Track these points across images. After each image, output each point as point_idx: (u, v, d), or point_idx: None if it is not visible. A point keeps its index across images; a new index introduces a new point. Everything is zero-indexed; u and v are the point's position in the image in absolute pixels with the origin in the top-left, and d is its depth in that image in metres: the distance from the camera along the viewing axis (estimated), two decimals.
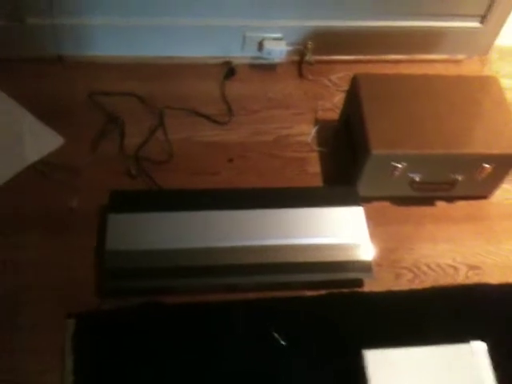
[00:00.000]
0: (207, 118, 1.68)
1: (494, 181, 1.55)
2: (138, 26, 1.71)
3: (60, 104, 1.65)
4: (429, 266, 1.46)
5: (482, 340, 1.30)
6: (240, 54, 1.81)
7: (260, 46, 1.78)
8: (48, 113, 1.61)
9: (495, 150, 1.44)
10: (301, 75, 1.83)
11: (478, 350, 1.29)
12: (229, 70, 1.78)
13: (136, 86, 1.71)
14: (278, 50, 1.77)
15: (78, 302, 1.30)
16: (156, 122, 1.64)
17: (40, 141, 1.55)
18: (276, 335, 1.29)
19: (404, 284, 1.42)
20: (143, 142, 1.59)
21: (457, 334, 1.31)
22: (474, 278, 1.45)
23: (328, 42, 1.82)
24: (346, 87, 1.61)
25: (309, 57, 1.82)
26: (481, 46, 1.94)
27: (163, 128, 1.63)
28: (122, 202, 1.40)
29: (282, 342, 1.28)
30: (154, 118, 1.65)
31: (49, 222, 1.42)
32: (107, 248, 1.32)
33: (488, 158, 1.44)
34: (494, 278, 1.46)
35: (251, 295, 1.35)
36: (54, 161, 1.52)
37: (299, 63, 1.84)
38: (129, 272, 1.30)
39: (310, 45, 1.80)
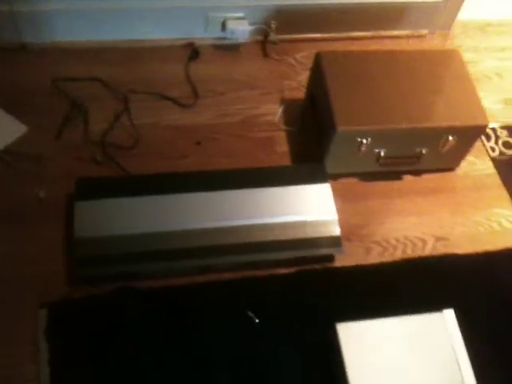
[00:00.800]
0: (173, 101, 1.67)
1: (459, 153, 1.57)
2: (100, 10, 1.67)
3: (23, 92, 1.62)
4: (397, 240, 1.48)
5: (452, 308, 1.33)
6: (203, 35, 1.79)
7: (223, 26, 1.76)
8: (11, 101, 1.57)
9: (458, 122, 1.46)
10: (265, 55, 1.82)
11: (448, 317, 1.32)
12: (192, 52, 1.77)
13: (100, 71, 1.69)
14: (241, 29, 1.76)
15: (49, 292, 1.28)
16: (121, 107, 1.62)
17: (2, 130, 1.52)
18: (250, 313, 1.30)
19: (374, 258, 1.44)
20: (108, 127, 1.57)
21: (427, 304, 1.34)
22: (441, 249, 1.48)
23: (291, 20, 1.81)
24: (311, 65, 1.61)
25: (272, 36, 1.81)
26: (443, 20, 1.96)
27: (128, 113, 1.61)
28: (89, 189, 1.38)
29: (256, 320, 1.29)
30: (119, 103, 1.63)
31: (15, 212, 1.40)
32: (75, 236, 1.31)
33: (451, 131, 1.46)
34: (462, 248, 1.49)
35: (224, 276, 1.35)
36: (17, 150, 1.49)
37: (263, 43, 1.83)
38: (99, 259, 1.29)
39: (273, 24, 1.79)
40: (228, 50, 1.81)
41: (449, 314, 1.31)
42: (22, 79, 1.65)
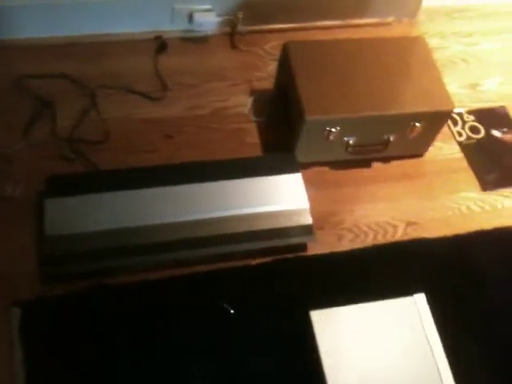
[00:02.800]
0: (142, 94, 1.66)
1: (427, 139, 1.60)
2: (64, 5, 1.65)
3: None
4: (369, 226, 1.50)
5: (423, 292, 1.36)
6: (170, 28, 1.78)
7: (190, 18, 1.75)
8: None
9: (424, 108, 1.49)
10: (234, 46, 1.82)
11: (419, 301, 1.34)
12: (160, 45, 1.76)
13: (66, 67, 1.66)
14: (209, 21, 1.75)
15: (21, 291, 1.27)
16: (89, 102, 1.61)
17: None
18: (225, 305, 1.31)
19: (346, 245, 1.46)
20: (77, 123, 1.56)
21: (399, 289, 1.37)
22: (412, 234, 1.50)
23: (259, 11, 1.81)
24: (279, 56, 1.62)
25: (240, 27, 1.81)
26: (409, 7, 1.98)
27: (96, 108, 1.60)
28: (59, 186, 1.37)
29: (231, 311, 1.30)
30: (87, 99, 1.61)
31: None
32: (46, 233, 1.30)
33: (418, 117, 1.48)
34: (432, 232, 1.51)
35: (198, 268, 1.36)
36: None
37: (231, 34, 1.82)
38: (70, 256, 1.28)
39: (240, 15, 1.78)
40: (196, 42, 1.80)
41: (420, 298, 1.34)
42: None
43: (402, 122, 1.49)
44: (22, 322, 1.23)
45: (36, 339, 1.22)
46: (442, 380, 1.25)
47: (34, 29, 1.68)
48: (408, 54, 1.59)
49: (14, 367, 1.19)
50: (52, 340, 1.23)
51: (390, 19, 1.98)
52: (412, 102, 1.49)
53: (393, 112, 1.47)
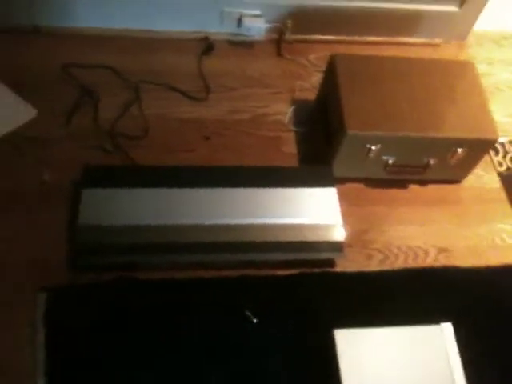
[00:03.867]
0: (184, 93, 1.66)
1: (467, 165, 1.57)
2: None
3: (34, 76, 1.61)
4: (399, 248, 1.48)
5: (450, 322, 1.33)
6: (218, 30, 1.78)
7: (239, 22, 1.76)
8: (21, 84, 1.57)
9: (468, 135, 1.46)
10: (279, 54, 1.81)
11: (446, 331, 1.32)
12: (207, 46, 1.76)
13: (112, 60, 1.68)
14: (257, 27, 1.76)
15: (50, 277, 1.29)
16: (131, 97, 1.62)
17: (13, 112, 1.52)
18: (248, 313, 1.30)
19: (375, 265, 1.44)
20: (118, 116, 1.57)
21: (426, 315, 1.34)
22: (443, 261, 1.48)
23: (307, 21, 1.80)
24: (324, 67, 1.60)
25: (288, 35, 1.81)
26: (458, 30, 1.95)
27: (139, 103, 1.61)
28: (96, 177, 1.38)
29: (254, 320, 1.29)
30: (130, 93, 1.63)
31: (20, 195, 1.40)
32: (80, 223, 1.30)
33: (461, 143, 1.46)
34: (463, 261, 1.48)
35: (224, 273, 1.35)
36: (26, 133, 1.49)
37: (278, 42, 1.82)
38: (101, 247, 1.29)
39: (289, 23, 1.78)
40: (242, 46, 1.80)
41: (447, 328, 1.31)
42: (33, 62, 1.64)
43: (444, 146, 1.47)
44: (47, 307, 1.24)
45: (59, 325, 1.23)
46: None
47: (83, 19, 1.71)
48: (456, 78, 1.57)
49: (35, 350, 1.19)
50: (75, 327, 1.24)
51: (438, 40, 1.96)
52: (456, 127, 1.47)
53: (435, 135, 1.45)
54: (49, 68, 1.63)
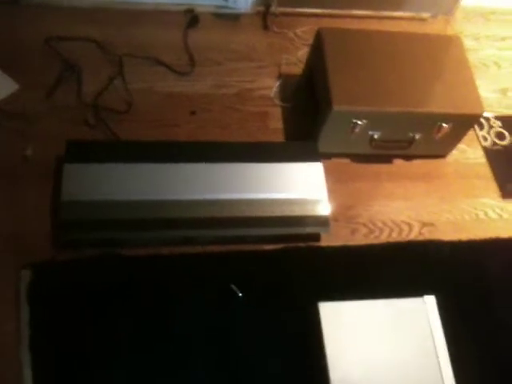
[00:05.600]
0: (168, 67, 1.64)
1: (452, 140, 1.57)
2: None
3: (14, 49, 1.58)
4: (384, 223, 1.49)
5: (433, 294, 1.35)
6: (204, 2, 1.75)
7: None
8: (1, 58, 1.54)
9: (453, 110, 1.46)
10: (265, 27, 1.79)
11: (429, 303, 1.34)
12: (192, 18, 1.73)
13: (95, 32, 1.65)
14: None
15: (33, 253, 1.28)
16: (115, 70, 1.59)
17: None
18: (233, 287, 1.30)
19: (359, 239, 1.45)
20: (102, 90, 1.55)
21: (409, 288, 1.36)
22: (427, 235, 1.49)
23: None
24: (310, 41, 1.59)
25: (274, 8, 1.78)
26: (446, 5, 1.94)
27: (122, 76, 1.59)
28: (79, 152, 1.36)
29: (239, 294, 1.30)
30: (113, 66, 1.60)
31: (2, 170, 1.38)
32: (63, 199, 1.29)
33: (446, 118, 1.46)
34: (447, 235, 1.50)
35: (209, 248, 1.35)
36: (7, 108, 1.46)
37: (264, 15, 1.80)
38: (85, 223, 1.28)
39: None
40: (228, 19, 1.78)
41: (430, 300, 1.33)
42: (13, 35, 1.61)
43: (430, 121, 1.47)
44: (31, 283, 1.24)
45: (43, 302, 1.23)
46: (443, 382, 1.24)
47: None
48: (443, 52, 1.56)
49: (19, 328, 1.19)
50: (59, 304, 1.23)
51: (425, 15, 1.94)
52: (442, 102, 1.46)
53: (421, 110, 1.44)
54: (30, 41, 1.60)
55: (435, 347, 1.28)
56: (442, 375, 1.25)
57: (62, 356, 1.18)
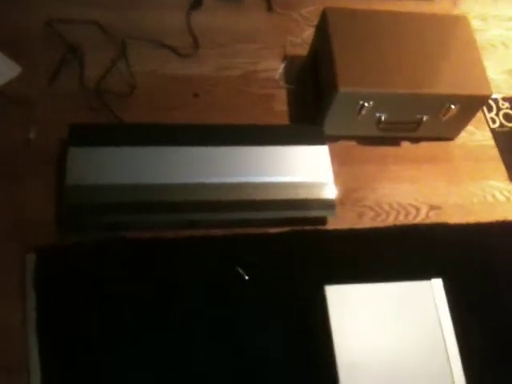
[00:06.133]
0: (172, 50, 1.62)
1: (460, 122, 1.55)
2: None
3: (15, 32, 1.55)
4: (391, 206, 1.48)
5: (440, 277, 1.34)
6: None
7: None
8: (2, 41, 1.52)
9: (461, 91, 1.44)
10: (270, 8, 1.76)
11: (436, 286, 1.33)
12: (195, 1, 1.71)
13: (97, 15, 1.62)
14: None
15: (37, 238, 1.27)
16: (118, 53, 1.57)
17: None
18: (240, 270, 1.30)
19: (366, 222, 1.44)
20: (105, 73, 1.53)
21: (416, 271, 1.35)
22: (434, 218, 1.48)
23: None
24: (315, 22, 1.56)
25: None
26: None
27: (126, 59, 1.57)
28: (83, 136, 1.35)
29: (246, 277, 1.29)
30: (116, 49, 1.58)
31: (5, 155, 1.37)
32: (67, 183, 1.28)
33: (454, 99, 1.44)
34: (454, 218, 1.48)
35: (214, 232, 1.34)
36: (10, 91, 1.45)
37: None
38: (89, 207, 1.27)
39: None
40: (232, 0, 1.74)
41: (437, 283, 1.32)
42: (15, 18, 1.58)
43: (437, 102, 1.45)
44: (36, 268, 1.23)
45: (49, 286, 1.22)
46: (450, 365, 1.24)
47: None
48: (450, 33, 1.54)
49: (25, 314, 1.19)
50: (64, 288, 1.23)
51: None
52: (449, 84, 1.44)
53: (429, 91, 1.42)
54: (31, 24, 1.57)
55: (442, 330, 1.27)
56: (448, 358, 1.25)
57: (67, 340, 1.17)
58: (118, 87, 1.52)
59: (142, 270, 1.27)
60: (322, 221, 1.41)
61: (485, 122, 1.68)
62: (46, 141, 1.40)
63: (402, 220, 1.46)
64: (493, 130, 1.66)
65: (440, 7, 1.90)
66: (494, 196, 1.55)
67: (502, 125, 1.67)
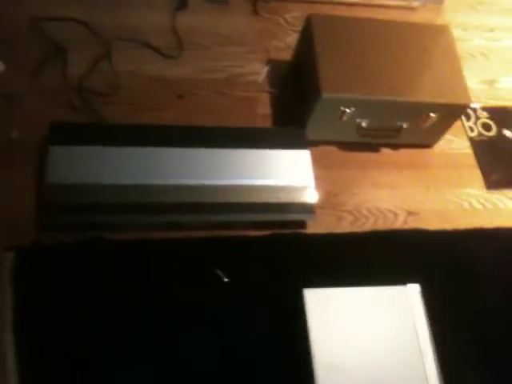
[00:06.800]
0: (156, 50, 1.62)
1: (439, 130, 1.58)
2: None
3: (1, 28, 1.54)
4: (370, 211, 1.50)
5: (417, 283, 1.36)
6: None
7: None
8: None
9: (441, 100, 1.47)
10: (255, 12, 1.77)
11: (413, 292, 1.35)
12: (181, 2, 1.71)
13: (81, 13, 1.62)
14: None
15: (17, 236, 1.26)
16: (102, 52, 1.57)
17: None
18: (219, 272, 1.30)
19: (345, 227, 1.46)
20: (87, 72, 1.52)
21: (393, 276, 1.37)
22: (412, 224, 1.50)
23: None
24: (300, 27, 1.58)
25: None
26: None
27: (109, 58, 1.56)
28: (64, 134, 1.34)
29: (225, 279, 1.30)
30: (100, 48, 1.58)
31: None
32: (47, 181, 1.28)
33: (434, 107, 1.46)
34: (432, 224, 1.51)
35: (195, 233, 1.35)
36: None
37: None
38: (70, 206, 1.27)
39: None
40: (218, 3, 1.75)
41: (414, 289, 1.34)
42: (1, 14, 1.57)
43: (418, 110, 1.47)
44: (15, 267, 1.22)
45: (28, 286, 1.21)
46: (425, 370, 1.26)
47: None
48: (431, 42, 1.56)
49: (2, 312, 1.18)
50: (43, 288, 1.22)
51: (414, 4, 1.94)
52: (430, 92, 1.47)
53: (409, 99, 1.45)
54: (14, 21, 1.56)
55: (417, 334, 1.29)
56: (423, 362, 1.27)
57: (45, 340, 1.17)
58: (101, 86, 1.51)
59: (123, 271, 1.27)
60: (302, 224, 1.42)
61: (463, 130, 1.71)
62: (27, 138, 1.39)
63: (380, 225, 1.48)
64: (471, 139, 1.69)
65: (423, 16, 1.93)
66: (470, 203, 1.58)
67: (480, 134, 1.71)
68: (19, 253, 1.24)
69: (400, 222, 1.50)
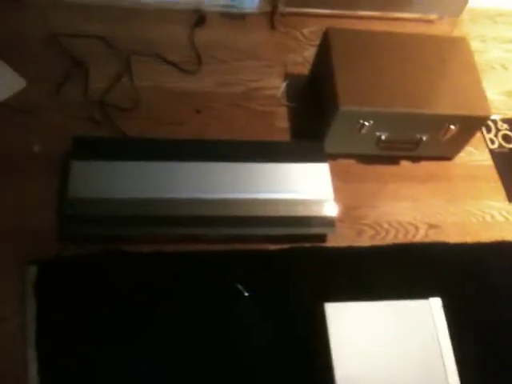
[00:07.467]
0: (175, 65, 1.64)
1: (459, 142, 1.57)
2: None
3: (21, 46, 1.58)
4: (390, 224, 1.48)
5: (439, 296, 1.34)
6: (211, 1, 1.75)
7: None
8: (8, 54, 1.53)
9: (461, 112, 1.46)
10: (272, 27, 1.79)
11: (435, 305, 1.33)
12: (199, 17, 1.73)
13: (101, 30, 1.65)
14: None
15: (38, 249, 1.27)
16: (122, 68, 1.59)
17: (2, 82, 1.48)
18: (239, 286, 1.30)
19: (365, 240, 1.45)
20: (108, 87, 1.55)
21: (415, 290, 1.35)
22: (433, 237, 1.48)
23: None
24: (317, 41, 1.58)
25: (281, 8, 1.78)
26: (453, 6, 1.93)
27: (130, 74, 1.58)
28: (86, 149, 1.36)
29: (246, 294, 1.29)
30: (120, 63, 1.60)
31: (9, 166, 1.38)
32: (69, 195, 1.29)
33: (453, 119, 1.45)
34: (453, 237, 1.49)
35: (214, 247, 1.35)
36: (15, 104, 1.46)
37: (271, 14, 1.79)
38: (90, 219, 1.28)
39: None
40: (235, 18, 1.77)
41: (435, 302, 1.33)
42: (19, 32, 1.60)
43: (437, 122, 1.46)
44: (37, 280, 1.23)
45: (50, 298, 1.22)
46: (448, 383, 1.24)
47: None
48: (449, 54, 1.56)
49: (24, 325, 1.19)
50: (66, 300, 1.23)
51: (432, 16, 1.94)
52: (449, 104, 1.46)
53: (429, 112, 1.44)
54: (36, 38, 1.59)
55: (440, 349, 1.27)
56: (447, 377, 1.24)
57: (67, 353, 1.17)
58: (121, 101, 1.53)
59: (141, 283, 1.27)
60: (322, 238, 1.41)
61: (484, 142, 1.69)
62: (49, 152, 1.41)
63: (401, 238, 1.46)
64: (491, 151, 1.68)
65: (440, 29, 1.93)
66: (492, 216, 1.56)
67: (500, 146, 1.69)
68: (41, 266, 1.25)
69: (421, 236, 1.48)
